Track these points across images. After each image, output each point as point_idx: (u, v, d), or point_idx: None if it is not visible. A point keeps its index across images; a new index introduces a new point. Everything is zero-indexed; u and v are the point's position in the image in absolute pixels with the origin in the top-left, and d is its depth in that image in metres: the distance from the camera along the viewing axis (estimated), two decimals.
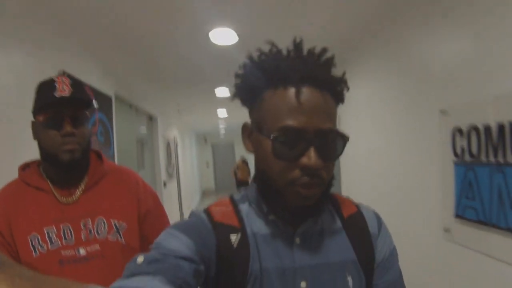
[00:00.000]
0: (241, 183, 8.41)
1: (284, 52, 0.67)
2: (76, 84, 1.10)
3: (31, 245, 1.05)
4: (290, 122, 0.61)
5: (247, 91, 0.70)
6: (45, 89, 1.07)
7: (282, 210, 0.68)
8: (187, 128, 9.30)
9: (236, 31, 2.49)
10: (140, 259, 0.56)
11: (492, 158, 1.37)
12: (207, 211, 0.72)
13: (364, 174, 2.75)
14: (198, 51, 2.86)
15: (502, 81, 1.32)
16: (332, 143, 0.63)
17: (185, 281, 0.54)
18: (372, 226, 0.75)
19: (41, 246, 1.05)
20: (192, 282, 0.56)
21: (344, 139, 0.65)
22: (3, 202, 1.12)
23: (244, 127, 0.72)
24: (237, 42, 2.67)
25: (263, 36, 2.47)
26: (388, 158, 2.35)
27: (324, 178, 0.63)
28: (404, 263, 1.93)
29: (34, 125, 1.11)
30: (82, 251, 1.07)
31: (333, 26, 2.40)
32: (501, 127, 1.31)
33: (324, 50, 0.67)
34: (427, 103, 1.78)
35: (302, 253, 0.68)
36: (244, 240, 0.67)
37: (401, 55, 2.06)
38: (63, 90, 1.04)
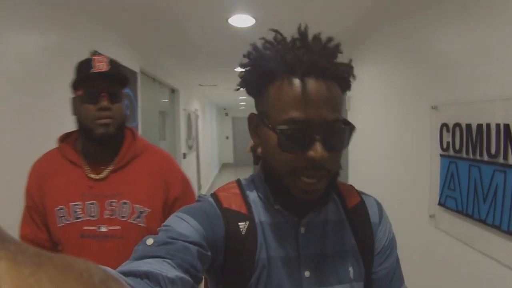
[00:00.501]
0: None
1: (289, 40, 0.66)
2: (113, 62, 1.14)
3: (56, 216, 1.11)
4: (296, 114, 0.61)
5: (252, 83, 0.69)
6: (84, 65, 1.10)
7: (287, 202, 0.68)
8: (208, 101, 9.49)
9: (253, 16, 2.62)
10: (149, 241, 0.56)
11: (470, 154, 1.51)
12: (216, 197, 0.72)
13: (364, 160, 2.90)
14: (217, 33, 3.00)
15: (488, 86, 1.43)
16: (338, 133, 0.63)
17: (192, 265, 0.55)
18: (373, 216, 0.76)
19: (66, 218, 1.10)
20: (199, 266, 0.56)
21: (351, 128, 0.64)
22: (39, 169, 1.19)
23: (250, 118, 0.71)
24: (254, 25, 2.80)
25: (279, 19, 2.60)
26: (384, 147, 2.50)
27: (329, 170, 0.63)
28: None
29: (73, 101, 1.14)
30: (103, 229, 1.10)
31: (347, 10, 2.48)
32: (479, 127, 1.44)
33: (330, 39, 0.65)
34: (421, 98, 1.90)
35: (307, 243, 0.69)
36: (252, 228, 0.67)
37: (404, 49, 2.16)
38: (101, 67, 1.08)
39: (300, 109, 0.60)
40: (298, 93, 0.61)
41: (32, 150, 1.36)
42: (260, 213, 0.70)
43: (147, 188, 1.17)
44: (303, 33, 0.64)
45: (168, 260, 0.52)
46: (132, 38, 3.07)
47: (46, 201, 1.12)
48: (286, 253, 0.67)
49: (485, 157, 1.43)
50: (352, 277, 0.69)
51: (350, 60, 0.66)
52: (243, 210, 0.69)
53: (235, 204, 0.70)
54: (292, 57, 0.62)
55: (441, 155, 1.73)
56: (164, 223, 0.62)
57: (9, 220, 1.14)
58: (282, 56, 0.63)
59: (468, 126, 1.51)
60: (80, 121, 1.13)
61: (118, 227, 1.10)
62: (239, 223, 0.67)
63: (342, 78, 0.64)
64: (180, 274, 0.52)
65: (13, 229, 1.17)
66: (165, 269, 0.50)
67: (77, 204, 1.10)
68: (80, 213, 1.10)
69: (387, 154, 2.45)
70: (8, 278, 0.17)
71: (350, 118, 3.17)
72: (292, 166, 0.62)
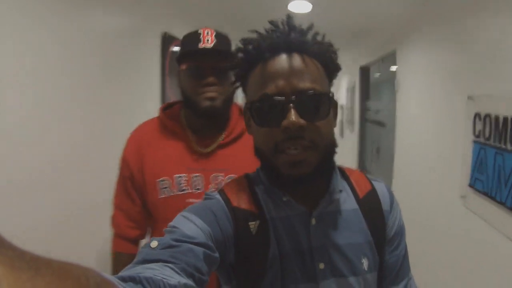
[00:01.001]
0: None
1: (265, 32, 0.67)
2: (221, 36, 1.09)
3: (158, 187, 1.08)
4: (267, 89, 0.62)
5: (238, 79, 0.72)
6: (190, 39, 1.08)
7: (279, 181, 0.67)
8: None
9: (310, 2, 2.81)
10: (154, 243, 0.54)
11: (497, 143, 1.66)
12: (224, 194, 0.70)
13: (409, 142, 3.04)
14: (275, 15, 3.22)
15: None
16: (314, 101, 0.62)
17: (197, 269, 0.53)
18: (385, 203, 0.75)
19: (169, 189, 1.08)
20: (205, 269, 0.55)
21: (329, 98, 0.64)
22: (138, 138, 1.16)
23: (244, 111, 0.71)
24: (311, 11, 2.99)
25: (334, 4, 2.79)
26: (425, 130, 2.65)
27: (314, 141, 0.62)
28: (423, 221, 2.45)
29: (180, 73, 1.12)
30: None
31: (396, 2, 2.59)
32: (505, 120, 1.59)
33: (311, 26, 0.68)
34: (460, 88, 2.04)
35: (319, 234, 0.67)
36: (263, 226, 0.66)
37: (448, 39, 2.25)
38: (207, 41, 1.04)
39: (271, 84, 0.62)
40: (269, 71, 0.63)
41: (109, 122, 1.54)
42: (270, 208, 0.69)
43: (254, 163, 1.22)
44: (279, 23, 0.67)
45: (171, 265, 0.50)
46: (197, 19, 3.31)
47: (146, 172, 1.11)
48: (299, 246, 0.66)
49: (508, 147, 1.58)
50: (366, 268, 0.68)
51: (324, 35, 0.69)
52: (253, 208, 0.68)
53: (244, 201, 0.69)
54: (264, 43, 0.64)
55: (473, 141, 1.88)
56: (169, 224, 0.61)
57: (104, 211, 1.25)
58: (257, 45, 0.65)
59: (497, 118, 1.65)
60: (185, 94, 1.11)
61: None
62: (250, 223, 0.66)
63: (318, 53, 0.65)
64: (183, 280, 0.50)
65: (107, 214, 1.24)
66: (168, 275, 0.48)
67: (181, 176, 1.08)
68: (185, 185, 1.08)
69: (427, 137, 2.60)
70: (6, 283, 0.17)
71: (398, 100, 3.29)
72: (273, 141, 0.62)
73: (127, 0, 2.13)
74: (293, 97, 0.60)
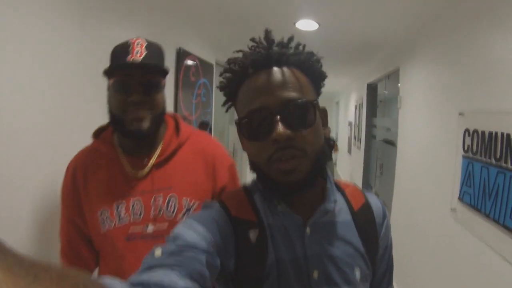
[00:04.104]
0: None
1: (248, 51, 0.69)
2: (152, 48, 1.01)
3: (100, 220, 1.02)
4: (253, 105, 0.64)
5: (229, 98, 0.74)
6: (119, 51, 1.00)
7: (274, 190, 0.68)
8: None
9: (317, 21, 2.93)
10: (158, 252, 0.55)
11: (482, 157, 1.74)
12: (223, 204, 0.71)
13: (409, 155, 3.12)
14: (285, 35, 3.35)
15: (504, 99, 1.63)
16: (298, 110, 0.63)
17: (201, 274, 0.54)
18: (378, 217, 0.77)
19: (109, 221, 1.01)
20: (208, 275, 0.56)
21: (313, 104, 0.65)
22: (74, 172, 1.07)
23: (236, 127, 0.71)
24: (317, 29, 3.11)
25: (339, 24, 2.89)
26: (420, 144, 2.75)
27: (303, 149, 0.63)
28: (418, 234, 2.54)
29: (108, 89, 1.04)
30: (150, 228, 1.01)
31: (400, 18, 2.69)
32: (490, 135, 1.67)
33: (291, 38, 0.70)
34: (452, 104, 2.14)
35: (313, 243, 0.68)
36: (262, 235, 0.67)
37: (443, 57, 2.37)
38: (136, 53, 0.97)
39: (256, 99, 0.64)
40: (253, 86, 0.65)
41: None
42: (268, 216, 0.70)
43: (195, 179, 1.08)
44: (266, 38, 0.69)
45: (177, 271, 0.52)
46: (210, 35, 3.48)
47: (88, 205, 1.05)
48: (294, 254, 0.67)
49: (492, 161, 1.65)
50: (358, 279, 0.70)
51: (300, 45, 0.71)
52: (252, 217, 0.69)
53: (243, 211, 0.70)
54: (246, 61, 0.67)
55: (462, 156, 1.96)
56: (172, 232, 0.62)
57: None
58: (241, 64, 0.68)
59: (483, 133, 1.74)
60: (112, 112, 1.03)
61: (165, 226, 1.02)
62: (249, 232, 0.67)
63: (299, 63, 0.67)
64: (189, 284, 0.51)
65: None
66: (174, 279, 0.50)
67: (121, 204, 1.02)
68: (124, 213, 1.02)
69: (423, 152, 2.69)
70: None
71: (400, 117, 3.38)
72: (265, 154, 0.64)
73: (143, 16, 2.27)
74: (278, 109, 0.62)
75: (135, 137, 1.02)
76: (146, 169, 1.05)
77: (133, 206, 1.02)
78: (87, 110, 1.66)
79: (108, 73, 1.01)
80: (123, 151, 1.07)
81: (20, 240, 1.28)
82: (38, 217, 1.34)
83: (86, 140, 1.14)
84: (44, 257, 1.38)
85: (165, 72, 1.05)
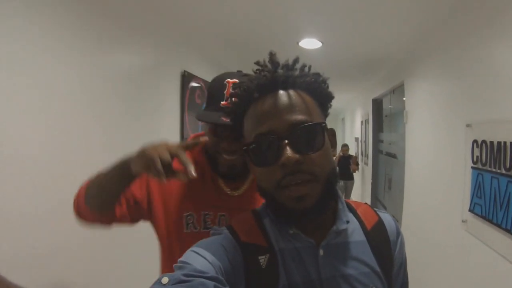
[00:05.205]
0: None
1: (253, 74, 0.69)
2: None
3: (184, 222, 1.07)
4: (259, 129, 0.63)
5: (235, 123, 0.73)
6: (216, 90, 1.02)
7: (285, 215, 0.67)
8: None
9: (320, 40, 3.00)
10: (164, 280, 0.54)
11: (492, 168, 1.74)
12: (232, 229, 0.70)
13: (417, 169, 3.12)
14: (289, 54, 3.41)
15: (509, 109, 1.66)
16: (306, 133, 0.62)
17: None
18: (391, 235, 0.76)
19: (194, 225, 1.07)
20: None
21: (322, 127, 0.64)
22: None
23: (243, 153, 0.70)
24: (321, 47, 3.17)
25: (341, 42, 2.97)
26: (428, 158, 2.76)
27: (313, 173, 0.62)
28: (430, 247, 2.53)
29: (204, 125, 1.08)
30: None
31: (402, 34, 2.75)
32: (498, 144, 1.68)
33: (296, 60, 0.69)
34: (459, 116, 2.16)
35: (327, 265, 0.67)
36: (272, 259, 0.66)
37: (447, 70, 2.40)
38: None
39: (263, 123, 0.63)
40: (259, 110, 0.64)
41: None
42: (278, 240, 0.69)
43: None
44: (270, 61, 0.68)
45: None
46: (214, 57, 3.57)
47: (172, 206, 1.09)
48: (308, 277, 0.66)
49: (503, 170, 1.66)
50: None
51: (305, 66, 0.70)
52: (262, 241, 0.68)
53: (252, 235, 0.69)
54: (251, 86, 0.66)
55: (472, 167, 1.96)
56: (180, 259, 0.61)
57: None
58: (246, 89, 0.67)
59: (491, 143, 1.75)
60: (206, 147, 1.08)
61: None
62: (259, 257, 0.66)
63: (305, 85, 0.67)
64: None
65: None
66: None
67: (208, 214, 1.07)
68: (210, 224, 1.07)
69: (431, 165, 2.69)
70: None
71: (407, 131, 3.39)
72: (274, 179, 0.62)
73: (149, 40, 2.33)
74: (285, 133, 0.61)
75: (227, 175, 1.08)
76: (240, 190, 1.09)
77: (219, 218, 1.07)
78: (92, 137, 1.68)
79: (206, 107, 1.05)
80: (215, 171, 1.10)
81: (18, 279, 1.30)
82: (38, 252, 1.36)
83: (85, 171, 1.15)
84: None
85: None
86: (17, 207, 1.30)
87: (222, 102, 0.98)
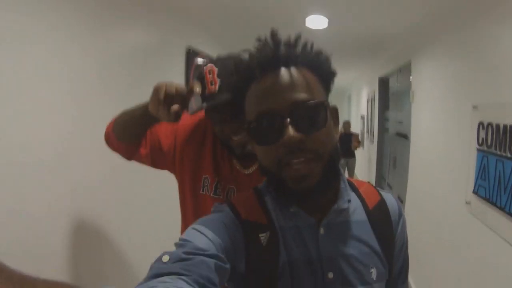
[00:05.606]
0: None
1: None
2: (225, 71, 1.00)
3: (202, 183, 1.14)
4: (261, 107, 0.62)
5: (236, 100, 0.71)
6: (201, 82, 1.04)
7: (286, 194, 0.66)
8: None
9: (326, 17, 2.94)
10: (165, 258, 0.54)
11: (498, 151, 1.73)
12: (233, 207, 0.70)
13: (423, 149, 3.11)
14: (295, 33, 3.36)
15: None
16: (309, 112, 0.61)
17: (209, 280, 0.53)
18: (393, 215, 0.76)
19: (208, 189, 1.14)
20: (216, 280, 0.55)
21: (325, 106, 0.63)
22: (191, 133, 1.17)
23: (245, 131, 0.69)
24: (327, 27, 3.10)
25: (348, 20, 2.88)
26: (434, 139, 2.74)
27: (315, 151, 0.61)
28: (433, 227, 2.55)
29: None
30: None
31: (411, 12, 2.68)
32: (505, 128, 1.66)
33: (298, 36, 0.66)
34: (465, 97, 2.13)
35: (327, 244, 0.67)
36: (273, 237, 0.66)
37: (456, 51, 2.35)
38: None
39: (264, 102, 0.62)
40: (261, 88, 0.63)
41: None
42: (279, 218, 0.69)
43: None
44: (266, 39, 0.66)
45: (184, 277, 0.51)
46: (219, 33, 3.51)
47: (193, 165, 1.16)
48: (308, 255, 0.66)
49: (508, 154, 1.65)
50: (374, 278, 0.69)
51: (307, 43, 0.67)
52: (263, 219, 0.68)
53: (253, 214, 0.69)
54: (252, 63, 0.65)
55: (477, 149, 1.95)
56: (180, 237, 0.61)
57: None
58: (247, 66, 0.66)
59: (497, 126, 1.73)
60: (215, 131, 1.13)
61: None
62: (260, 235, 0.66)
63: (307, 63, 0.65)
64: None
65: None
66: (181, 286, 0.49)
67: (219, 183, 1.14)
68: (220, 191, 1.13)
69: (437, 146, 2.68)
70: None
71: (413, 111, 3.36)
72: (275, 157, 0.62)
73: (153, 17, 2.30)
74: (287, 112, 0.60)
75: (241, 157, 1.13)
76: (252, 169, 1.13)
77: (228, 190, 1.13)
78: (98, 115, 1.64)
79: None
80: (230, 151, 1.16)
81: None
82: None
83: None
84: None
85: None
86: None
87: (206, 91, 1.02)
